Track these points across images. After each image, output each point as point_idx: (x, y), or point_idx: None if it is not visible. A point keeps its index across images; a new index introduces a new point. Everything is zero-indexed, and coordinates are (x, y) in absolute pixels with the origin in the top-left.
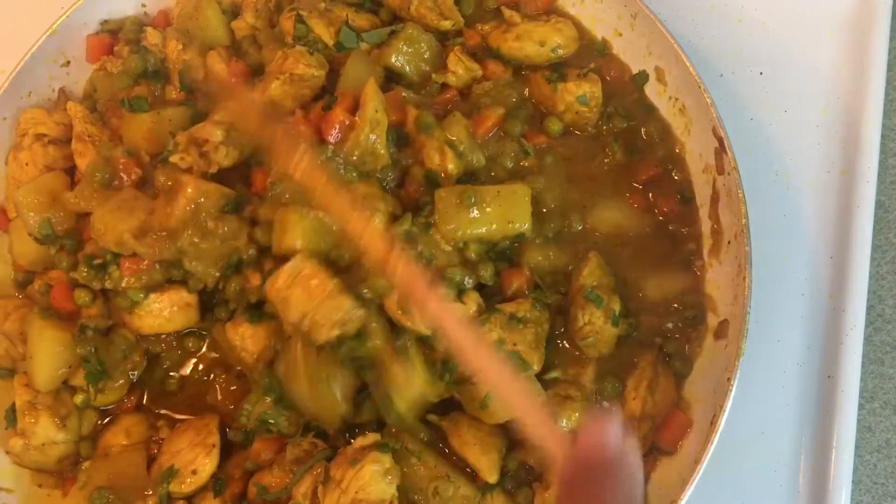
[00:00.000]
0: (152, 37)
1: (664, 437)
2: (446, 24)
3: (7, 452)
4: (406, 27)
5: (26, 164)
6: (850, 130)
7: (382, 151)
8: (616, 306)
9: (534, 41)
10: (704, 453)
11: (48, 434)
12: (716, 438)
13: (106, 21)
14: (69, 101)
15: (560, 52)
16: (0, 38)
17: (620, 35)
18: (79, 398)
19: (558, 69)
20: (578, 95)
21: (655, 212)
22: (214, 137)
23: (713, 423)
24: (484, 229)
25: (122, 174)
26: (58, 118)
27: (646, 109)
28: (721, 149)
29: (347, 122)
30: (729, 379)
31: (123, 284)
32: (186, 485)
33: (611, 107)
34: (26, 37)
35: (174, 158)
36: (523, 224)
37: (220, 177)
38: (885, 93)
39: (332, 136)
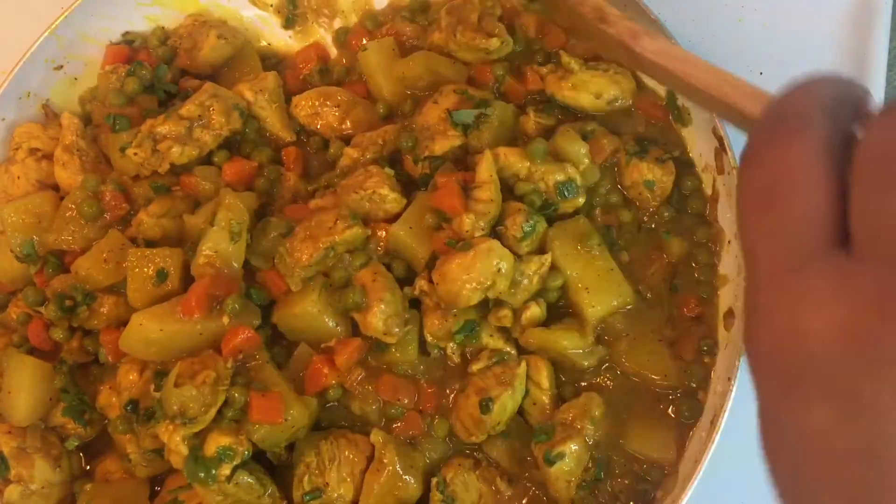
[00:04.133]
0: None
1: None
2: (495, 43)
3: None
4: (495, 107)
5: (18, 178)
6: None
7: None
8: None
9: (589, 92)
10: (704, 453)
11: (46, 476)
12: (716, 438)
13: (128, 32)
14: (65, 112)
15: (617, 104)
16: None
17: None
18: (71, 444)
19: (643, 143)
20: (646, 179)
21: (681, 358)
22: (173, 134)
23: (713, 423)
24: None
25: (107, 211)
26: (52, 133)
27: (682, 165)
28: (721, 148)
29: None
30: (729, 378)
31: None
32: None
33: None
34: (26, 38)
35: (129, 152)
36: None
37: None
38: (885, 93)
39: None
